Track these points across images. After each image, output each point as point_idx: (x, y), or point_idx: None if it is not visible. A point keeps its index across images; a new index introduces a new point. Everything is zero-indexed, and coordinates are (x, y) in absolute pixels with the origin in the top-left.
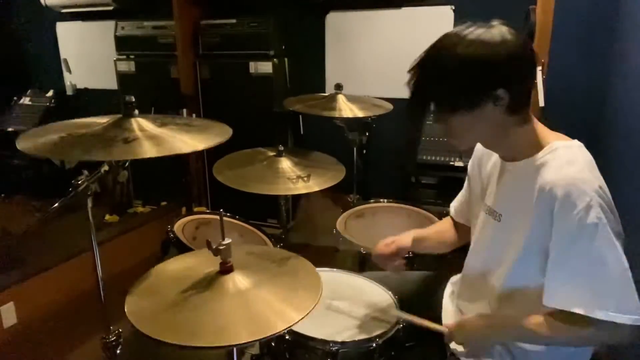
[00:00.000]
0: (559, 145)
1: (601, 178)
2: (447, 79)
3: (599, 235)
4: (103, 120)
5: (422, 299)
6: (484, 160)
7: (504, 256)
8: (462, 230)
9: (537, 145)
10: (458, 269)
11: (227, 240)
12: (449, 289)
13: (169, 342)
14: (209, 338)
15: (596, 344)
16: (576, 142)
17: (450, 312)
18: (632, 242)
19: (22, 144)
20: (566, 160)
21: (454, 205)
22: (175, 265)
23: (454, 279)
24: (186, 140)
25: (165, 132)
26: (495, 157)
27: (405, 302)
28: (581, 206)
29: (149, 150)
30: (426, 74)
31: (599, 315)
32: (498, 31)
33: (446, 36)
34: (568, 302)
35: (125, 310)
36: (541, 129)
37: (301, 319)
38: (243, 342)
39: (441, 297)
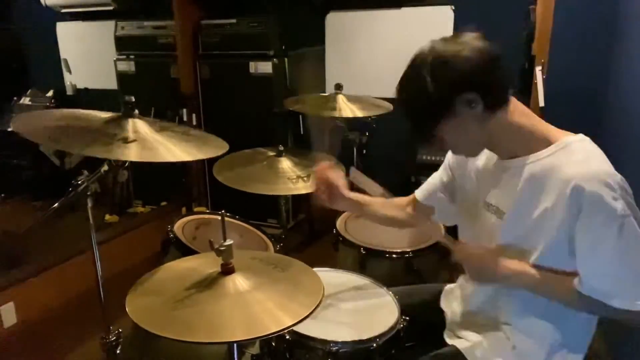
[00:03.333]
0: (572, 140)
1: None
2: (417, 98)
3: (626, 227)
4: (102, 115)
5: (425, 309)
6: (470, 159)
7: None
8: (421, 212)
9: (543, 142)
10: (458, 271)
11: (228, 241)
12: (445, 296)
13: (166, 336)
14: (204, 334)
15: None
16: (582, 135)
17: (449, 314)
18: None
19: (17, 125)
20: (585, 155)
21: (423, 188)
22: (179, 265)
23: (449, 287)
24: (175, 150)
25: (159, 138)
26: (484, 156)
27: (408, 312)
28: (608, 199)
29: (136, 154)
30: (401, 97)
31: (635, 307)
32: (460, 41)
33: (415, 56)
34: (604, 294)
35: (126, 305)
36: (544, 126)
37: (294, 324)
38: (237, 339)
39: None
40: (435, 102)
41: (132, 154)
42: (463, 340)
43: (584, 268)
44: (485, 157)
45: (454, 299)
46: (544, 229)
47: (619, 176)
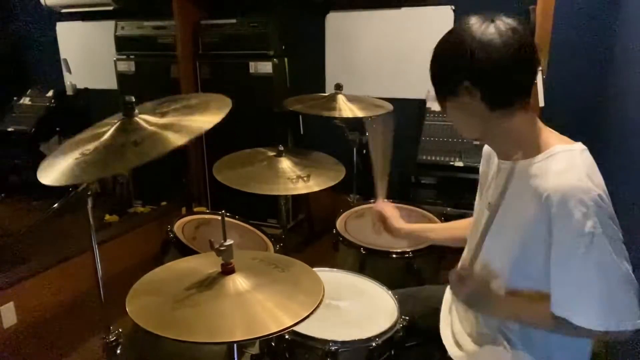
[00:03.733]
0: (560, 150)
1: (602, 184)
2: (432, 66)
3: (595, 245)
4: (106, 126)
5: (425, 309)
6: (491, 158)
7: (500, 254)
8: None
9: (536, 148)
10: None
11: (228, 241)
12: (446, 301)
13: (166, 336)
14: (204, 334)
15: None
16: (579, 145)
17: (447, 321)
18: (632, 242)
19: (46, 179)
20: (565, 166)
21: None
22: (179, 265)
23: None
24: (196, 119)
25: (168, 121)
26: (496, 159)
27: (407, 312)
28: (578, 215)
29: (174, 140)
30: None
31: (599, 328)
32: (491, 29)
33: (456, 25)
34: (570, 313)
35: (126, 305)
36: (543, 131)
37: (294, 325)
38: (237, 339)
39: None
40: (444, 78)
41: (149, 153)
42: (463, 353)
43: (553, 281)
44: (494, 158)
45: (453, 308)
46: (522, 234)
47: (596, 192)
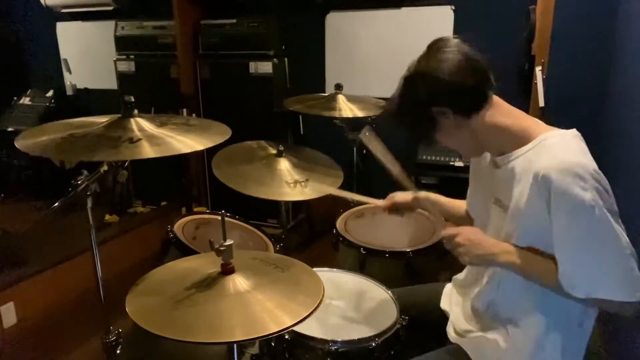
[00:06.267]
0: (549, 135)
1: (594, 163)
2: (401, 118)
3: (595, 217)
4: (100, 120)
5: (424, 308)
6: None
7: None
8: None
9: (524, 136)
10: (458, 270)
11: (228, 242)
12: (445, 296)
13: (166, 336)
14: (204, 334)
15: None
16: (573, 131)
17: (448, 307)
18: (632, 243)
19: (21, 143)
20: (558, 146)
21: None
22: (179, 265)
23: (449, 286)
24: (185, 140)
25: (164, 132)
26: (489, 155)
27: (407, 311)
28: (577, 189)
29: (148, 151)
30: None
31: (599, 295)
32: (438, 55)
33: (406, 70)
34: (571, 284)
35: (126, 305)
36: (528, 122)
37: (294, 325)
38: (237, 339)
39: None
40: (415, 117)
41: (143, 151)
42: (466, 339)
43: (557, 255)
44: (489, 156)
45: (454, 299)
46: (529, 221)
47: (591, 166)
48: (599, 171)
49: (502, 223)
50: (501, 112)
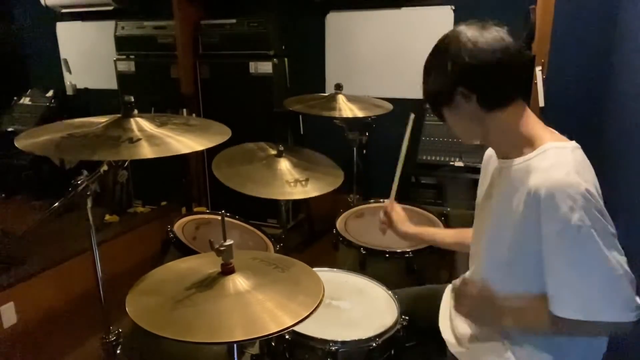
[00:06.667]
0: (550, 147)
1: (592, 181)
2: (426, 79)
3: (582, 237)
4: (100, 120)
5: (425, 309)
6: (489, 164)
7: (498, 255)
8: None
9: (530, 144)
10: (458, 271)
11: (228, 242)
12: (446, 298)
13: (165, 336)
14: (204, 334)
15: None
16: (573, 143)
17: (446, 318)
18: (631, 243)
19: (21, 143)
20: (553, 163)
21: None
22: (179, 265)
23: (450, 288)
24: (185, 141)
25: (164, 132)
26: (495, 159)
27: (408, 311)
28: (564, 209)
29: (148, 151)
30: (424, 72)
31: (589, 316)
32: (486, 35)
33: (443, 36)
34: (559, 305)
35: (126, 305)
36: (538, 129)
37: (294, 325)
38: (237, 339)
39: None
40: (438, 88)
41: (143, 151)
42: (464, 349)
43: (546, 277)
44: (495, 159)
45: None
46: (515, 233)
47: (583, 186)
48: (595, 190)
49: (498, 226)
50: (524, 117)
